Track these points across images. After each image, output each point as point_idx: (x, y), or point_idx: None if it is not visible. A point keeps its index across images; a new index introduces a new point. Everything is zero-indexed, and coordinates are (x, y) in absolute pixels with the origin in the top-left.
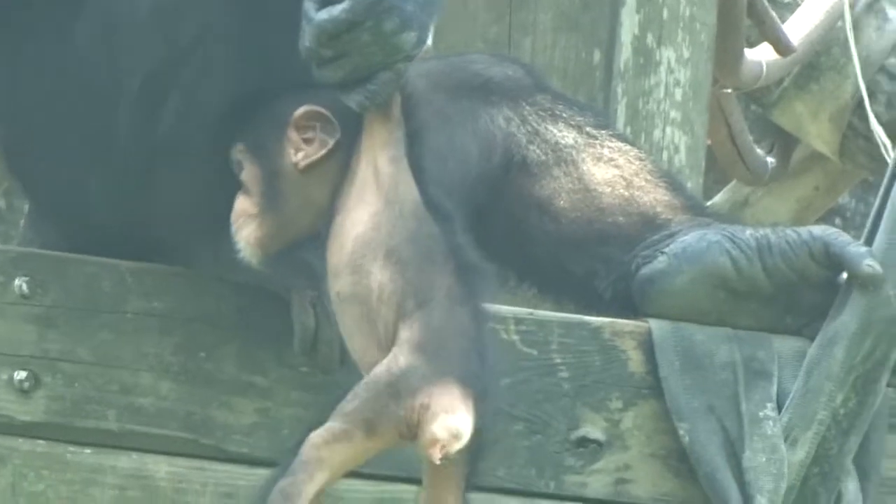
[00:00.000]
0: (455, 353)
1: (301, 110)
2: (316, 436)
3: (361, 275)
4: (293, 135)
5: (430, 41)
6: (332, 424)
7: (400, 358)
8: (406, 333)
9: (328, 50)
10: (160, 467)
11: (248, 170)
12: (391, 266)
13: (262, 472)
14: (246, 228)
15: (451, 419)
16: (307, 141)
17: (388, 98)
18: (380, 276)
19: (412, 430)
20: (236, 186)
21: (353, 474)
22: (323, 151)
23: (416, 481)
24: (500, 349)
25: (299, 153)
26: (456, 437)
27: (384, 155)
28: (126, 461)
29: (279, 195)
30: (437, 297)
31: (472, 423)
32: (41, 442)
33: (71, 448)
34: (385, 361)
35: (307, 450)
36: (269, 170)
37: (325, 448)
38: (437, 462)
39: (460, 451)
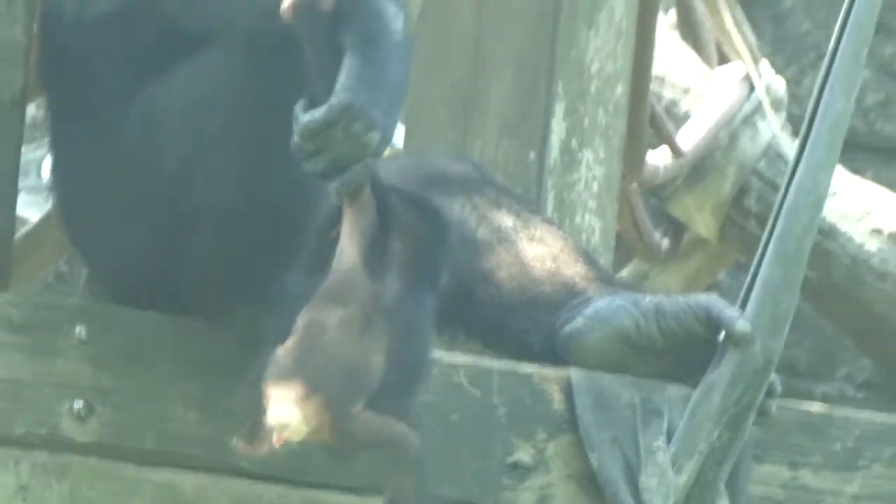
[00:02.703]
0: (320, 365)
1: None
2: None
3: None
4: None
5: (396, 141)
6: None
7: (283, 343)
8: (300, 326)
9: (310, 145)
10: (187, 480)
11: None
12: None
13: (267, 486)
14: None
15: (278, 411)
16: None
17: (360, 187)
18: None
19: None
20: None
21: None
22: None
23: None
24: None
25: None
26: (282, 427)
27: (344, 235)
28: (159, 475)
29: None
30: (332, 324)
31: (302, 422)
32: (93, 459)
33: (118, 464)
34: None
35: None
36: None
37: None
38: (275, 445)
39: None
